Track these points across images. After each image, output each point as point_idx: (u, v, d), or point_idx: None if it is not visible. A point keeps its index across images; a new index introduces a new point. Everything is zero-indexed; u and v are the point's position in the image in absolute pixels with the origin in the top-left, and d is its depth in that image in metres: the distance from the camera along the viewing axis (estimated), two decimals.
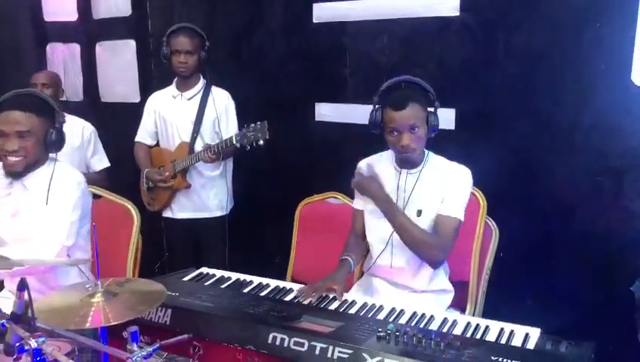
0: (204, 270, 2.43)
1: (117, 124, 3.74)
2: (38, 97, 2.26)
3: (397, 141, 2.14)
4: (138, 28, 3.68)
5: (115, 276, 1.96)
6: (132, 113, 3.64)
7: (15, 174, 2.22)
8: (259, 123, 2.83)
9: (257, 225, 3.41)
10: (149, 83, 3.66)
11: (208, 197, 3.20)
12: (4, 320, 1.37)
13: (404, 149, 2.14)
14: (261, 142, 2.82)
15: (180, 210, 3.22)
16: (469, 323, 1.92)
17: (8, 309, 1.89)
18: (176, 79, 3.21)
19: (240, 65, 3.42)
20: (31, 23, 4.15)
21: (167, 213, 3.27)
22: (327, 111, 3.22)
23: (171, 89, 3.22)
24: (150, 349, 1.46)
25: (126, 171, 3.41)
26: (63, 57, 4.07)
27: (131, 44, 3.72)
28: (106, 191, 2.72)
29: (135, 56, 3.71)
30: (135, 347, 1.48)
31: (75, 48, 4.00)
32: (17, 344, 1.52)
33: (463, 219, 2.19)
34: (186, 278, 2.35)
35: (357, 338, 1.77)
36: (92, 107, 3.97)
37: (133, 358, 1.41)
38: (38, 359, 1.35)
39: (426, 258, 2.20)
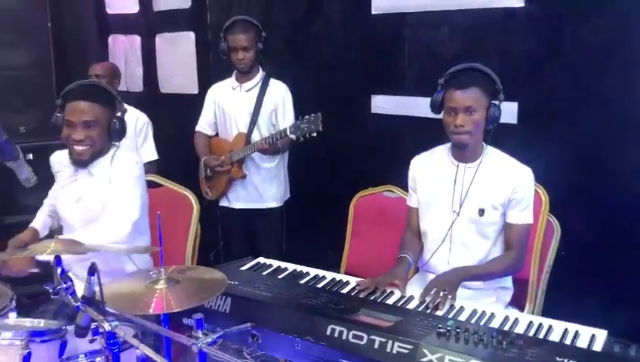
0: (261, 260, 2.45)
1: (175, 114, 3.82)
2: (102, 88, 2.34)
3: (452, 121, 2.12)
4: (197, 20, 3.73)
5: (174, 264, 2.01)
6: (190, 104, 3.72)
7: (81, 163, 2.29)
8: (312, 115, 2.84)
9: (312, 216, 3.42)
10: (208, 74, 3.71)
11: (264, 188, 3.23)
12: (78, 303, 1.42)
13: (457, 129, 2.11)
14: (314, 134, 2.83)
15: (237, 199, 3.27)
16: (531, 323, 1.87)
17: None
18: (235, 71, 3.25)
19: (297, 56, 3.43)
20: (94, 16, 4.28)
21: (223, 203, 3.32)
22: (383, 103, 3.19)
23: (231, 80, 3.26)
24: (214, 336, 1.49)
25: (183, 161, 3.48)
26: (124, 48, 4.18)
27: (190, 35, 3.78)
28: (166, 180, 2.78)
29: (194, 48, 3.77)
30: (200, 334, 1.51)
31: (136, 40, 4.10)
32: (89, 326, 1.58)
33: (532, 220, 2.17)
34: (244, 268, 2.37)
35: (417, 334, 1.75)
36: (151, 97, 4.06)
37: (199, 344, 1.44)
38: (111, 341, 1.39)
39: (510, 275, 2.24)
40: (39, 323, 1.58)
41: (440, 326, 1.76)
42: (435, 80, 2.20)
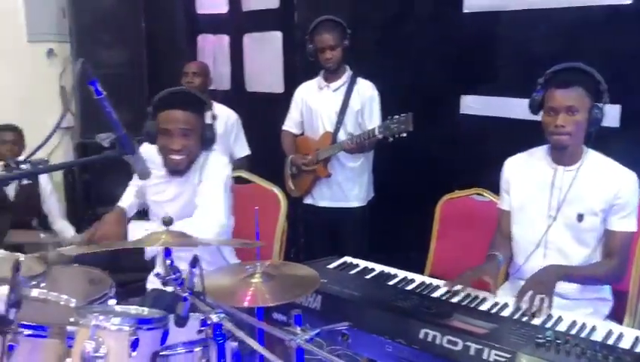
0: (348, 259, 2.45)
1: (261, 112, 3.88)
2: (193, 95, 2.37)
3: (552, 121, 2.03)
4: (285, 19, 3.78)
5: (262, 259, 2.04)
6: (276, 103, 3.78)
7: (177, 172, 2.32)
8: (403, 115, 2.82)
9: (395, 217, 3.39)
10: (294, 74, 3.75)
11: (349, 187, 3.24)
12: (186, 293, 1.46)
13: (557, 130, 2.02)
14: (404, 134, 2.80)
15: (321, 198, 3.29)
16: (637, 338, 1.77)
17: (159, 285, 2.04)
18: (322, 70, 3.27)
19: (385, 54, 3.41)
20: (184, 16, 4.41)
21: (308, 200, 3.34)
22: (473, 104, 3.11)
23: (318, 80, 3.29)
24: (312, 333, 1.49)
25: (268, 158, 3.54)
26: (213, 48, 4.29)
27: (278, 35, 3.83)
28: (256, 177, 2.83)
29: (281, 48, 3.82)
30: (298, 330, 1.52)
31: (224, 39, 4.20)
32: (188, 316, 1.63)
33: (636, 228, 2.05)
34: (331, 266, 2.38)
35: (514, 343, 1.70)
36: (237, 96, 4.15)
37: (297, 340, 1.45)
38: (217, 332, 1.43)
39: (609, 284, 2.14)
40: (143, 311, 1.64)
41: (539, 335, 1.70)
42: (530, 80, 2.14)
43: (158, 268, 2.50)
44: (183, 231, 2.17)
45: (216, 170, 2.32)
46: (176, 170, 2.32)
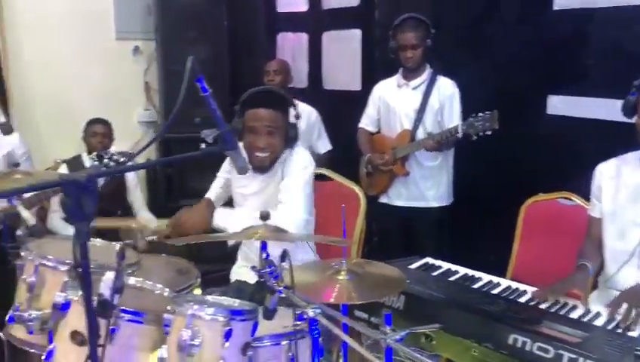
0: (429, 260, 2.43)
1: (337, 110, 3.90)
2: (279, 94, 2.41)
3: None
4: (365, 17, 3.77)
5: (340, 257, 2.04)
6: (353, 100, 3.78)
7: (261, 169, 2.37)
8: (488, 112, 2.76)
9: (474, 219, 3.32)
10: (372, 72, 3.75)
11: (427, 187, 3.20)
12: (281, 287, 1.49)
13: None
14: (489, 132, 2.74)
15: (398, 197, 3.26)
16: None
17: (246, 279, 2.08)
18: (401, 68, 3.25)
19: (468, 53, 3.34)
20: (265, 14, 4.49)
21: (383, 199, 3.32)
22: (562, 104, 3.00)
23: (397, 78, 3.26)
24: (402, 333, 1.49)
25: (344, 156, 3.54)
26: (292, 46, 4.34)
27: (357, 33, 3.83)
28: (336, 175, 2.85)
29: (360, 45, 3.81)
30: (388, 329, 1.52)
31: (303, 37, 4.24)
32: (275, 309, 1.65)
33: None
34: (413, 266, 2.36)
35: (610, 354, 1.63)
36: (315, 93, 4.18)
37: (387, 340, 1.45)
38: (313, 327, 1.45)
39: None
40: (234, 302, 1.68)
41: (638, 348, 1.62)
42: (624, 81, 2.04)
43: (241, 261, 2.57)
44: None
45: (299, 167, 2.35)
46: (260, 167, 2.36)
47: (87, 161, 3.80)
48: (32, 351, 1.91)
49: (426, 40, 3.10)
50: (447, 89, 3.13)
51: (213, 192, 2.60)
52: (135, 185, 3.98)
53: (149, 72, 4.68)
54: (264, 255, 1.53)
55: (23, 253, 1.96)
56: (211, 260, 2.90)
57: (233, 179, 2.51)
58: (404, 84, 3.22)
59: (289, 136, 2.35)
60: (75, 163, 3.80)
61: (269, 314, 1.68)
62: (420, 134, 3.13)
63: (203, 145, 4.24)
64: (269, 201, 2.37)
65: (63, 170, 3.62)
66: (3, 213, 2.49)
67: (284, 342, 1.69)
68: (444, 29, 3.20)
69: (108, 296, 1.50)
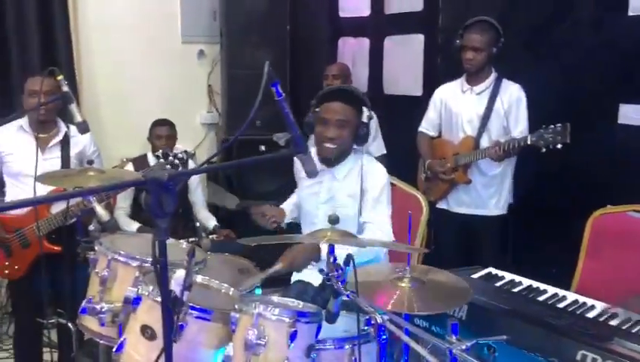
0: (492, 270, 2.39)
1: (398, 115, 3.87)
2: (355, 93, 2.43)
3: None
4: (428, 22, 3.74)
5: (399, 262, 2.03)
6: (413, 106, 3.75)
7: (328, 161, 2.40)
8: (559, 125, 2.71)
9: (536, 229, 3.24)
10: (434, 77, 3.71)
11: (488, 195, 3.14)
12: (348, 292, 1.50)
13: None
14: (559, 145, 2.68)
15: (457, 204, 3.22)
16: None
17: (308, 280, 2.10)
18: (466, 73, 3.20)
19: (536, 59, 3.26)
20: (327, 18, 4.51)
21: (442, 205, 3.28)
22: (634, 114, 2.89)
23: (461, 82, 3.22)
24: (469, 343, 1.47)
25: (404, 161, 3.52)
26: (352, 51, 4.34)
27: (420, 38, 3.81)
28: (397, 180, 2.83)
29: (422, 51, 3.79)
30: (454, 339, 1.50)
31: (365, 42, 4.24)
32: (338, 313, 1.66)
33: None
34: (475, 276, 2.33)
35: None
36: (375, 98, 4.14)
37: (453, 350, 1.43)
38: (381, 333, 1.45)
39: None
40: (298, 304, 1.70)
41: None
42: None
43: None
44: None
45: (379, 180, 2.38)
46: (327, 158, 2.39)
47: (152, 160, 3.92)
48: (102, 342, 1.98)
49: (492, 46, 3.04)
50: (513, 94, 3.07)
51: (287, 205, 2.66)
52: (197, 184, 4.08)
53: (212, 74, 4.78)
54: (332, 258, 1.54)
55: (96, 248, 2.04)
56: (271, 260, 2.93)
57: (302, 201, 2.56)
58: (467, 89, 3.17)
59: (359, 134, 2.38)
60: (140, 161, 3.92)
61: (332, 318, 1.69)
62: (484, 141, 3.08)
63: (262, 148, 4.33)
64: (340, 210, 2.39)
65: (129, 168, 3.74)
66: (79, 208, 2.61)
67: (347, 346, 1.69)
68: (512, 32, 3.14)
69: (178, 293, 1.54)
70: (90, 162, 2.34)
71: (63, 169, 2.88)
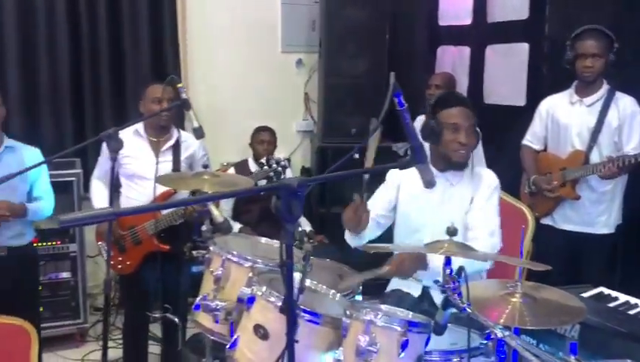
0: (604, 290, 2.29)
1: (499, 125, 3.78)
2: (466, 98, 2.43)
3: None
4: (533, 31, 3.63)
5: (505, 278, 1.98)
6: (515, 116, 3.65)
7: (459, 165, 2.36)
8: None
9: None
10: (539, 87, 3.60)
11: (597, 212, 3.01)
12: (465, 305, 1.49)
13: None
14: None
15: (564, 221, 3.10)
16: None
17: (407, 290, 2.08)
18: (575, 83, 3.09)
19: None
20: (426, 27, 4.49)
21: (547, 221, 3.17)
22: None
23: (569, 93, 3.11)
24: None
25: (504, 173, 3.41)
26: (452, 59, 4.29)
27: (524, 47, 3.70)
28: (504, 193, 2.76)
29: (526, 60, 3.68)
30: (572, 359, 1.45)
31: (465, 51, 4.18)
32: (446, 325, 1.65)
33: None
34: (585, 295, 2.24)
35: None
36: (475, 107, 4.08)
37: None
38: (500, 349, 1.43)
39: None
40: (408, 314, 1.70)
41: None
42: None
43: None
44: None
45: (489, 184, 2.35)
46: (459, 163, 2.35)
47: (253, 166, 4.06)
48: (213, 338, 2.07)
49: (609, 52, 2.91)
50: (627, 107, 2.92)
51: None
52: None
53: (309, 83, 4.88)
54: (448, 270, 1.53)
55: (211, 248, 2.14)
56: (365, 268, 2.95)
57: (409, 208, 2.50)
58: (577, 101, 3.05)
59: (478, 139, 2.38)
60: (241, 166, 4.08)
61: (440, 330, 1.68)
62: (594, 156, 2.95)
63: (357, 155, 4.36)
64: (453, 213, 2.34)
65: (231, 172, 3.89)
66: (195, 210, 2.74)
67: (455, 359, 1.67)
68: (624, 42, 2.99)
69: (294, 296, 1.59)
70: (206, 166, 2.45)
71: (174, 171, 3.04)
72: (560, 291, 1.88)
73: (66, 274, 3.69)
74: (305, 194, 1.22)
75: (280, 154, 4.01)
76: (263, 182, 3.91)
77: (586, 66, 2.93)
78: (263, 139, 3.95)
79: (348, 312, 1.67)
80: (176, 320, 3.00)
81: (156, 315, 3.04)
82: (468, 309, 1.50)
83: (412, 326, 1.59)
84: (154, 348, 3.42)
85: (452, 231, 1.60)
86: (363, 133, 4.41)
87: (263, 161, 2.98)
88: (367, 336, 1.57)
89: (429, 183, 1.53)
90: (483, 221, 2.28)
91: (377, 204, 2.50)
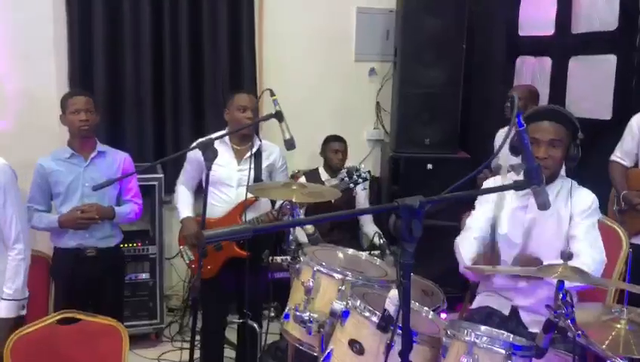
0: None
1: (583, 139, 3.66)
2: (565, 113, 2.37)
3: None
4: (623, 42, 3.50)
5: (594, 300, 1.90)
6: (601, 130, 3.53)
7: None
8: None
9: None
10: (627, 101, 3.46)
11: None
12: (578, 332, 1.44)
13: None
14: None
15: None
16: None
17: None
18: None
19: None
20: (505, 37, 4.40)
21: (637, 240, 3.03)
22: None
23: None
24: None
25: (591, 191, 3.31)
26: (532, 70, 4.19)
27: (611, 58, 3.57)
28: None
29: (614, 72, 3.55)
30: None
31: (547, 62, 4.07)
32: (547, 349, 1.60)
33: None
34: None
35: None
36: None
37: None
38: None
39: None
40: (509, 336, 1.66)
41: None
42: None
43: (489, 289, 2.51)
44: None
45: (588, 204, 2.31)
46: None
47: (324, 174, 4.08)
48: (303, 348, 2.08)
49: None
50: None
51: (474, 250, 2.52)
52: (364, 199, 4.18)
53: (381, 92, 4.86)
54: (561, 295, 1.49)
55: (302, 258, 2.16)
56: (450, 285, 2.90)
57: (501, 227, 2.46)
58: None
59: (571, 154, 2.30)
60: (312, 175, 4.11)
61: (540, 353, 1.64)
62: None
63: (430, 166, 4.29)
64: (544, 229, 2.32)
65: (302, 180, 3.91)
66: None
67: None
68: None
69: (392, 312, 1.58)
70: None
71: (256, 179, 3.09)
72: None
73: (145, 275, 3.81)
74: (424, 214, 1.21)
75: (349, 162, 4.01)
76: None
77: None
78: (337, 148, 3.97)
79: (449, 332, 1.64)
80: (255, 326, 3.05)
81: (237, 321, 3.09)
82: (582, 337, 1.45)
83: (517, 350, 1.55)
84: (228, 352, 3.48)
85: (568, 256, 1.55)
86: (437, 145, 4.36)
87: (344, 172, 2.99)
88: (470, 358, 1.54)
89: (543, 205, 1.49)
90: (588, 244, 2.23)
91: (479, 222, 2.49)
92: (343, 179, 2.99)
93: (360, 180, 2.99)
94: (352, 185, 2.98)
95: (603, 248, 2.23)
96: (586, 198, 2.31)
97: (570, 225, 2.25)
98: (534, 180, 1.44)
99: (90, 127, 2.98)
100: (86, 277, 3.02)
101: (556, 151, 2.26)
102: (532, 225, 2.32)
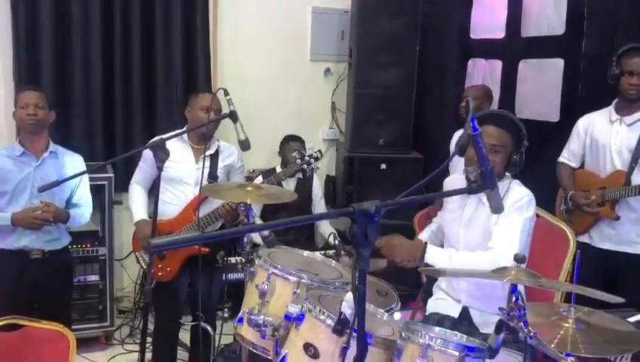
0: None
1: (530, 140, 3.75)
2: (511, 118, 2.38)
3: None
4: (569, 47, 3.61)
5: (543, 300, 1.95)
6: (549, 132, 3.63)
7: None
8: None
9: None
10: (572, 104, 3.57)
11: (637, 232, 2.97)
12: (531, 334, 1.47)
13: None
14: None
15: (602, 239, 3.06)
16: None
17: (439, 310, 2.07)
18: (615, 102, 3.07)
19: None
20: (458, 40, 4.47)
21: (583, 239, 3.12)
22: None
23: (608, 111, 3.08)
24: None
25: (535, 189, 3.39)
26: (483, 73, 4.27)
27: (559, 63, 3.68)
28: (544, 211, 2.75)
29: (561, 76, 3.65)
30: None
31: (497, 64, 4.16)
32: (498, 349, 1.63)
33: None
34: (632, 320, 2.20)
35: None
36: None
37: None
38: None
39: None
40: (462, 337, 1.68)
41: None
42: None
43: (440, 294, 2.55)
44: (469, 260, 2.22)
45: (520, 203, 2.29)
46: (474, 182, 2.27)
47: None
48: (257, 352, 2.06)
49: None
50: None
51: (425, 234, 2.67)
52: (320, 198, 4.18)
53: (336, 92, 4.88)
54: (514, 297, 1.51)
55: (257, 261, 2.13)
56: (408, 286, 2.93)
57: (445, 223, 2.54)
58: (617, 119, 3.03)
59: (512, 161, 2.32)
60: (270, 174, 4.07)
61: (492, 354, 1.67)
62: (636, 177, 2.91)
63: (384, 166, 4.33)
64: (479, 234, 2.35)
65: (260, 180, 3.88)
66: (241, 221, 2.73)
67: None
68: None
69: (348, 315, 1.58)
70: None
71: (210, 178, 3.05)
72: (612, 317, 1.86)
73: (94, 277, 3.71)
74: (379, 220, 1.21)
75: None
76: (290, 183, 3.90)
77: (632, 84, 2.90)
78: (296, 148, 3.95)
79: (403, 334, 1.65)
80: (209, 329, 3.00)
81: (190, 323, 3.04)
82: (534, 338, 1.48)
83: (470, 351, 1.58)
84: (180, 354, 3.42)
85: (520, 259, 1.58)
86: (391, 144, 4.40)
87: (296, 155, 2.99)
88: (424, 360, 1.56)
89: (496, 209, 1.52)
90: (499, 235, 2.24)
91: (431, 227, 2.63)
92: (296, 161, 3.00)
93: (312, 160, 3.00)
94: (305, 165, 2.99)
95: (519, 241, 2.20)
96: (517, 194, 2.30)
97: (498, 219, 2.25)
98: (488, 184, 1.46)
99: (37, 122, 2.88)
100: (31, 280, 2.91)
101: (495, 156, 2.26)
102: (468, 224, 2.39)
